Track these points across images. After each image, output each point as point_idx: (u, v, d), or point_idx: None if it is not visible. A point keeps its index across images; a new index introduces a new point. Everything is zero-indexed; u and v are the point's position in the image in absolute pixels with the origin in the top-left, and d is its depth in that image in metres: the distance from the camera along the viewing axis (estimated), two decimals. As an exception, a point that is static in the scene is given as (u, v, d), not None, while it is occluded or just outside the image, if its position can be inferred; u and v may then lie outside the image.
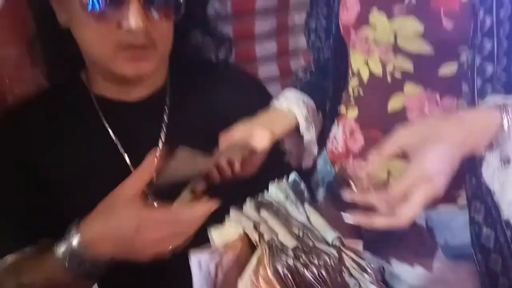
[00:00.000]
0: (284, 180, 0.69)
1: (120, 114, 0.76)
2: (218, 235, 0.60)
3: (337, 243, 0.55)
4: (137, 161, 0.67)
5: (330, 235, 0.56)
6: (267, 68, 1.39)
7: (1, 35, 0.85)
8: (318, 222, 0.59)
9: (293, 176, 0.69)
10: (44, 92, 0.78)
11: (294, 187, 0.68)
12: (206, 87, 0.82)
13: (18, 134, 0.73)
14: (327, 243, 0.55)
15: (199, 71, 0.83)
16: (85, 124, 0.75)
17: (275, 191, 0.67)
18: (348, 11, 0.77)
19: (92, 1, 0.63)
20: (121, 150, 0.75)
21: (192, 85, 0.82)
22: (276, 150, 0.79)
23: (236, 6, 1.25)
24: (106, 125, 0.75)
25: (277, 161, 0.82)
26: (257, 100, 0.86)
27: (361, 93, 0.79)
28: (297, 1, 1.35)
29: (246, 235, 0.59)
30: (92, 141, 0.75)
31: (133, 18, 0.63)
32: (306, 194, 0.67)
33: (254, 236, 0.56)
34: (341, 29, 0.81)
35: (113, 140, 0.75)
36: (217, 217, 0.62)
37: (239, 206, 0.65)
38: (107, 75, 0.73)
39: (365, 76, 0.78)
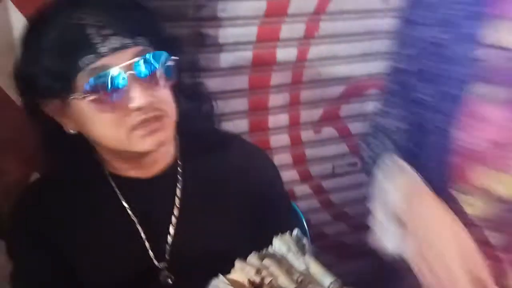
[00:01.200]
0: (288, 234, 0.71)
1: (137, 191, 0.78)
2: (223, 284, 0.62)
3: (335, 286, 0.56)
4: (151, 235, 0.76)
5: (328, 279, 0.57)
6: (279, 137, 1.47)
7: None
8: (317, 269, 0.60)
9: (296, 231, 0.72)
10: (59, 170, 0.81)
11: (297, 240, 0.70)
12: (214, 158, 0.84)
13: (37, 211, 0.77)
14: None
15: (205, 142, 0.85)
16: (102, 201, 0.78)
17: (278, 244, 0.69)
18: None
19: (98, 97, 0.66)
20: (138, 225, 0.78)
21: (201, 158, 0.83)
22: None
23: (253, 82, 1.37)
24: (124, 202, 0.78)
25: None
26: (263, 169, 0.89)
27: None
28: (310, 78, 1.46)
29: (249, 283, 0.60)
30: (109, 218, 0.77)
31: (138, 98, 0.65)
32: (307, 247, 0.69)
33: (256, 279, 0.58)
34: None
35: (130, 216, 0.78)
36: None
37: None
38: (124, 156, 0.75)
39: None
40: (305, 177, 1.59)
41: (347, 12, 1.42)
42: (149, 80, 0.67)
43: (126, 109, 0.66)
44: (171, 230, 0.78)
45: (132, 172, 0.78)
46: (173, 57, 0.70)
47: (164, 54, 0.69)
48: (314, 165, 1.60)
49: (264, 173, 0.87)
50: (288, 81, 1.43)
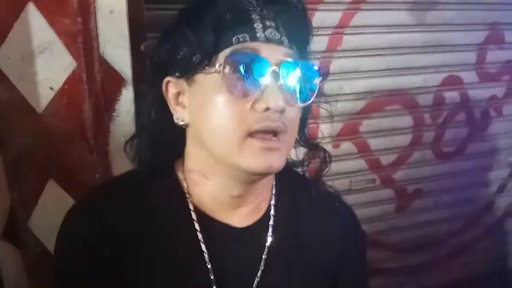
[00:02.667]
0: None
1: (221, 239, 0.67)
2: None
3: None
4: None
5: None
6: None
7: (58, 113, 0.95)
8: None
9: None
10: (135, 179, 0.69)
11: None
12: (308, 218, 0.73)
13: (97, 224, 0.65)
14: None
15: (302, 194, 0.74)
16: (177, 235, 0.67)
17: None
18: None
19: (232, 79, 0.58)
20: (212, 277, 0.66)
21: (298, 213, 0.73)
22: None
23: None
24: (203, 246, 0.66)
25: None
26: (356, 243, 0.78)
27: None
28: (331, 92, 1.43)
29: None
30: (181, 257, 0.66)
31: (275, 98, 0.58)
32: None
33: None
34: None
35: (206, 264, 0.66)
36: None
37: None
38: (226, 180, 0.65)
39: None
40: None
41: (370, 26, 1.40)
42: (287, 90, 0.60)
43: (251, 108, 0.59)
44: None
45: (220, 215, 0.68)
46: (320, 79, 0.63)
47: (313, 70, 0.63)
48: (331, 180, 1.56)
49: (356, 245, 0.77)
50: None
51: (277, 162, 0.61)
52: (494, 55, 1.67)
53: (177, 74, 0.63)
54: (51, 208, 1.00)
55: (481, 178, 1.80)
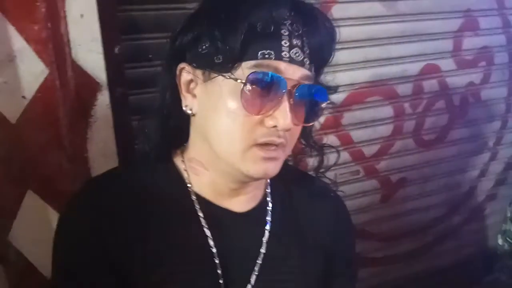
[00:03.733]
0: None
1: (224, 223, 0.69)
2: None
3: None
4: (229, 277, 0.67)
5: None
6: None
7: (32, 122, 0.92)
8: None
9: None
10: (137, 171, 0.71)
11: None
12: (303, 204, 0.77)
13: (101, 212, 0.65)
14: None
15: (300, 187, 0.78)
16: (181, 222, 0.68)
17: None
18: None
19: (250, 93, 0.60)
20: (217, 261, 0.68)
21: (293, 202, 0.77)
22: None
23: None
24: (207, 231, 0.68)
25: None
26: (348, 230, 0.84)
27: None
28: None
29: None
30: (187, 243, 0.68)
31: (285, 118, 0.60)
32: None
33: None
34: None
35: (211, 249, 0.68)
36: None
37: None
38: (225, 175, 0.67)
39: None
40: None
41: (348, 19, 1.40)
42: (295, 108, 0.62)
43: (260, 122, 0.61)
44: (252, 279, 0.70)
45: (221, 202, 0.70)
46: (327, 102, 0.66)
47: (324, 94, 0.65)
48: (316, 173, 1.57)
49: (348, 234, 0.82)
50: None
51: (273, 169, 0.65)
52: (470, 42, 1.69)
53: (194, 64, 0.64)
54: (32, 220, 0.98)
55: (463, 164, 1.82)
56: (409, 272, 1.82)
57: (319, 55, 0.64)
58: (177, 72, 0.65)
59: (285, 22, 0.60)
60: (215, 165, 0.67)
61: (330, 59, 0.68)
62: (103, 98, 0.97)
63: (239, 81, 0.60)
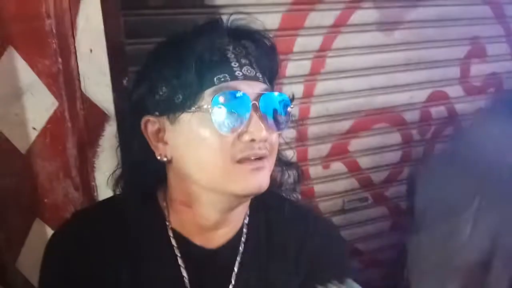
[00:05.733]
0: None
1: (199, 260, 0.71)
2: None
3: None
4: None
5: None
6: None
7: (42, 152, 0.96)
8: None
9: (349, 281, 0.69)
10: (118, 205, 0.72)
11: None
12: (280, 232, 0.76)
13: (83, 244, 0.68)
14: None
15: (276, 212, 0.77)
16: (158, 258, 0.70)
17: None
18: None
19: (220, 118, 0.62)
20: None
21: (269, 227, 0.76)
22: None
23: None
24: (183, 270, 0.70)
25: None
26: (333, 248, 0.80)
27: None
28: (317, 114, 1.45)
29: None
30: (162, 279, 0.69)
31: (259, 130, 0.62)
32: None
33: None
34: None
35: (185, 284, 0.70)
36: None
37: None
38: (212, 206, 0.68)
39: None
40: (315, 213, 1.56)
41: (353, 48, 1.42)
42: (265, 118, 0.64)
43: (236, 140, 0.63)
44: None
45: (197, 239, 0.71)
46: (291, 106, 0.68)
47: (286, 99, 0.67)
48: (324, 200, 1.57)
49: (328, 252, 0.79)
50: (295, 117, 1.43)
51: (265, 181, 0.65)
52: (478, 69, 1.69)
53: (156, 112, 0.65)
54: (39, 247, 0.99)
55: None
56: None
57: (268, 68, 0.68)
58: (142, 126, 0.66)
59: (228, 47, 0.64)
60: (201, 199, 0.67)
61: (278, 69, 0.71)
62: (111, 129, 1.00)
63: (205, 106, 0.61)
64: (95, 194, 1.02)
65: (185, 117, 0.63)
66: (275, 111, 0.65)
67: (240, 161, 0.63)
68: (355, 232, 1.63)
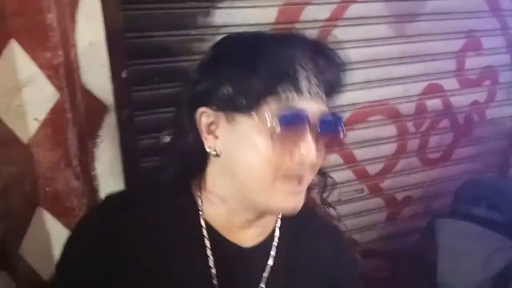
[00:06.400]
0: None
1: (229, 256, 0.71)
2: None
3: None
4: None
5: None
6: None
7: (43, 142, 0.98)
8: None
9: None
10: (154, 192, 0.73)
11: None
12: (308, 242, 0.78)
13: (117, 224, 0.69)
14: None
15: (305, 222, 0.78)
16: (187, 248, 0.70)
17: None
18: None
19: (276, 130, 0.62)
20: None
21: (295, 237, 0.77)
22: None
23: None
24: (211, 262, 0.70)
25: None
26: (350, 270, 0.83)
27: None
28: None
29: None
30: (189, 269, 0.69)
31: (310, 153, 0.62)
32: None
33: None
34: None
35: (212, 280, 0.70)
36: None
37: None
38: (245, 208, 0.69)
39: None
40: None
41: (349, 41, 1.44)
42: (319, 139, 0.65)
43: (287, 156, 0.63)
44: None
45: (228, 235, 0.72)
46: (342, 130, 0.67)
47: (341, 125, 0.67)
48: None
49: (350, 274, 0.82)
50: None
51: (301, 203, 0.67)
52: (473, 62, 1.71)
53: (214, 107, 0.66)
54: (41, 235, 1.03)
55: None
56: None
57: (334, 89, 0.67)
58: (197, 116, 0.67)
59: (303, 62, 0.63)
60: (237, 199, 0.68)
61: (341, 90, 0.71)
62: (110, 120, 1.03)
63: (265, 116, 0.62)
64: (96, 183, 1.05)
65: (243, 119, 0.63)
66: (330, 134, 0.66)
67: (284, 177, 0.63)
68: (351, 223, 1.66)
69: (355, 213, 1.66)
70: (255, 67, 0.61)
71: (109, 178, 1.05)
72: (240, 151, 0.65)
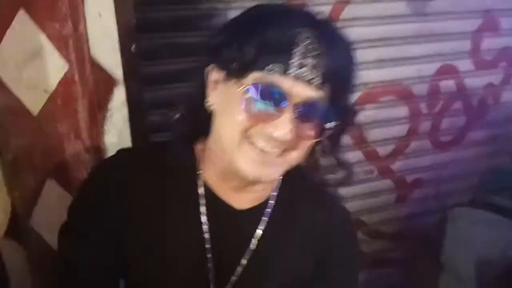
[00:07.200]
0: None
1: (223, 218, 0.75)
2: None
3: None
4: (219, 262, 0.74)
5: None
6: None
7: (53, 114, 0.99)
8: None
9: None
10: (156, 152, 0.78)
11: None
12: (304, 210, 0.80)
13: (118, 182, 0.74)
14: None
15: (304, 192, 0.81)
16: (183, 205, 0.75)
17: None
18: None
19: (251, 100, 0.63)
20: (208, 246, 0.75)
21: (292, 204, 0.79)
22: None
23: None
24: (204, 217, 0.75)
25: None
26: (346, 244, 0.84)
27: None
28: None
29: None
30: (182, 227, 0.75)
31: (282, 129, 0.63)
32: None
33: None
34: None
35: (204, 236, 0.74)
36: None
37: None
38: (227, 173, 0.72)
39: None
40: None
41: (362, 18, 1.41)
42: (300, 123, 0.64)
43: (259, 125, 0.64)
44: (238, 271, 0.76)
45: (225, 195, 0.75)
46: (336, 123, 0.67)
47: (332, 115, 0.66)
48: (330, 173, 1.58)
49: (343, 249, 0.83)
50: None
51: (269, 175, 0.68)
52: (490, 42, 1.66)
53: (219, 66, 0.68)
54: (51, 206, 1.04)
55: (481, 166, 1.79)
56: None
57: (337, 77, 0.65)
58: (208, 71, 0.70)
59: (304, 41, 0.62)
60: (223, 159, 0.70)
61: (350, 82, 0.69)
62: (119, 93, 1.03)
63: (240, 88, 0.64)
64: (104, 156, 1.05)
65: (232, 84, 0.66)
66: (314, 121, 0.65)
67: (250, 143, 0.65)
68: (359, 204, 1.65)
69: (364, 194, 1.65)
70: (250, 38, 0.63)
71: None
72: (223, 110, 0.68)
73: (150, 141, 1.14)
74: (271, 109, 0.63)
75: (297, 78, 0.62)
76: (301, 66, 0.62)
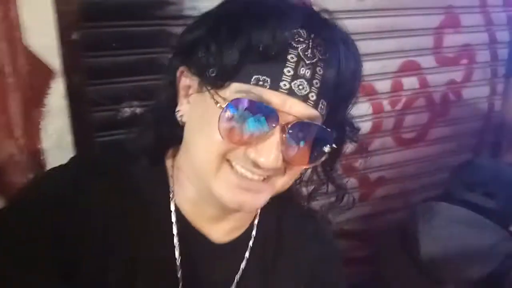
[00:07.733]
0: None
1: (197, 250, 0.63)
2: None
3: None
4: None
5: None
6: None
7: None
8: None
9: None
10: (118, 163, 0.62)
11: None
12: (289, 234, 0.70)
13: (83, 191, 0.58)
14: None
15: (293, 220, 0.71)
16: (153, 233, 0.61)
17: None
18: None
19: (232, 118, 0.52)
20: (180, 284, 0.62)
21: (279, 235, 0.70)
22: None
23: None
24: (177, 252, 0.61)
25: None
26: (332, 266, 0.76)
27: None
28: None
29: None
30: (153, 256, 0.60)
31: (267, 156, 0.52)
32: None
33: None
34: None
35: (176, 272, 0.61)
36: None
37: None
38: (201, 200, 0.61)
39: None
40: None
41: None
42: (289, 146, 0.54)
43: (245, 149, 0.53)
44: None
45: (203, 227, 0.63)
46: (332, 147, 0.57)
47: (329, 137, 0.56)
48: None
49: (332, 274, 0.75)
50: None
51: (252, 203, 0.57)
52: (451, 39, 1.66)
53: (192, 70, 0.56)
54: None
55: (444, 163, 1.80)
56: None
57: (336, 92, 0.55)
58: (178, 74, 0.58)
59: (298, 45, 0.52)
60: (197, 183, 0.60)
61: (351, 98, 0.59)
62: (57, 86, 0.93)
63: (218, 105, 0.52)
64: (42, 157, 0.95)
65: (208, 94, 0.54)
66: (308, 144, 0.55)
67: (230, 167, 0.55)
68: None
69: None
70: (232, 41, 0.51)
71: (57, 151, 0.95)
72: (197, 125, 0.57)
73: (95, 142, 1.03)
74: (256, 130, 0.52)
75: (290, 93, 0.52)
76: (294, 78, 0.51)
